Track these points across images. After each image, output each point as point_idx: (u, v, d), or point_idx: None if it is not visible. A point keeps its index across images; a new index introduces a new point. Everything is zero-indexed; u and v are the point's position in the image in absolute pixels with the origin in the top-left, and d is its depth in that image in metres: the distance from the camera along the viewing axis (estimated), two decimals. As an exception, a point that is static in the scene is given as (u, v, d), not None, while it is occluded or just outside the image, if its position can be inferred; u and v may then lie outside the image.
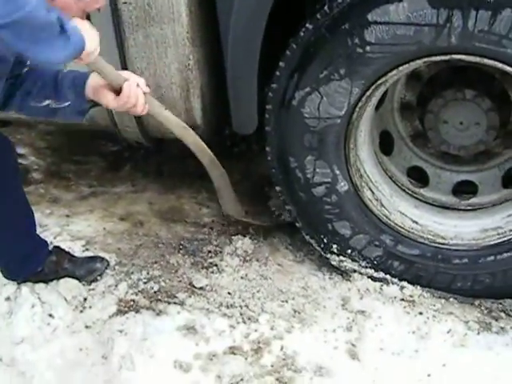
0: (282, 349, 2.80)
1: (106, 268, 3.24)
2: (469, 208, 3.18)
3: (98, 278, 3.19)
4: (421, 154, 3.25)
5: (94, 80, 2.59)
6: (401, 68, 2.68)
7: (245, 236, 3.47)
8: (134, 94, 2.55)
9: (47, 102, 2.63)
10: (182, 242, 3.48)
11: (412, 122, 3.20)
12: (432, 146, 3.18)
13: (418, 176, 3.28)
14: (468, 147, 3.05)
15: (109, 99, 2.57)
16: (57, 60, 2.24)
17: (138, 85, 2.56)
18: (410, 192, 3.23)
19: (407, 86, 3.12)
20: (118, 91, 2.55)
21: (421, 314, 2.99)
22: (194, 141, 3.05)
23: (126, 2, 2.85)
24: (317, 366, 2.72)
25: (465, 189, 3.23)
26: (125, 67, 2.98)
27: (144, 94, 2.59)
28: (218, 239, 3.50)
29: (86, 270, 3.18)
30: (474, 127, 2.96)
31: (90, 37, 2.29)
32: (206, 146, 3.09)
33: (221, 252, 3.38)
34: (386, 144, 3.24)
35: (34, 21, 2.05)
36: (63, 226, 3.62)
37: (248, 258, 3.34)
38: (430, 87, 3.05)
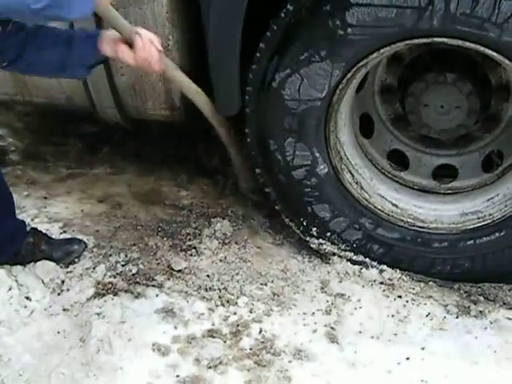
0: (260, 332, 2.79)
1: (84, 250, 3.21)
2: (449, 192, 3.18)
3: (76, 260, 3.17)
4: (401, 138, 3.24)
5: (107, 34, 2.61)
6: (382, 50, 2.66)
7: (224, 218, 3.45)
8: (148, 49, 2.56)
9: (58, 56, 2.61)
10: (160, 225, 3.46)
11: (393, 105, 3.18)
12: (412, 129, 3.17)
13: (399, 159, 3.27)
14: (448, 131, 3.05)
15: (126, 54, 2.58)
16: (88, 11, 2.35)
17: (151, 41, 2.57)
18: (390, 175, 3.22)
19: (388, 69, 3.11)
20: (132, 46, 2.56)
21: (400, 297, 3.00)
22: (209, 108, 3.01)
23: (104, -18, 2.81)
24: (296, 349, 2.71)
25: (445, 172, 3.24)
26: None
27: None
28: (197, 222, 3.48)
29: (64, 252, 3.15)
30: (454, 111, 2.96)
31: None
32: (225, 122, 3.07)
33: (200, 234, 3.36)
34: (366, 127, 3.22)
35: None
36: (41, 208, 3.59)
37: (227, 241, 3.32)
38: (411, 70, 3.04)
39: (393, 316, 2.90)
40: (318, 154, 2.94)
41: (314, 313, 2.91)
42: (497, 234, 2.92)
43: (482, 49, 2.55)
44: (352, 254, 3.13)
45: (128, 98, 3.01)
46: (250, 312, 2.89)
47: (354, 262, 3.14)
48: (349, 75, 2.75)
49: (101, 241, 3.30)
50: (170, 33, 2.86)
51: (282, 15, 2.69)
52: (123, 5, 2.84)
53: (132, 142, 4.19)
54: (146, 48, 2.56)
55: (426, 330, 2.84)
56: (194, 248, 3.27)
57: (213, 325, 2.83)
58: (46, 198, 3.70)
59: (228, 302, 2.94)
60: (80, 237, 3.29)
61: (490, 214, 2.96)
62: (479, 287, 3.03)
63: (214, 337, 2.77)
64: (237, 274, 3.10)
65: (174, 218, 3.52)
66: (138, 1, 2.82)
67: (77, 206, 3.63)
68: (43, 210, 3.57)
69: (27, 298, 2.95)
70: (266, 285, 3.05)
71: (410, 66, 3.05)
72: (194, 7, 2.84)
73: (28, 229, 3.16)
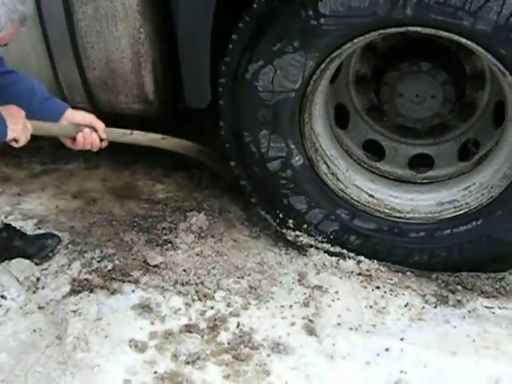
0: (238, 326, 2.77)
1: (58, 244, 3.18)
2: (425, 181, 3.17)
3: (50, 255, 3.14)
4: (376, 128, 3.23)
5: (69, 116, 2.77)
6: (356, 40, 2.64)
7: (199, 212, 3.43)
8: (88, 142, 2.80)
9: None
10: (135, 220, 3.42)
11: (367, 95, 3.17)
12: (388, 119, 3.15)
13: (374, 149, 3.26)
14: (424, 120, 3.03)
15: (67, 142, 2.83)
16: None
17: (95, 130, 2.79)
18: (365, 166, 3.21)
19: (362, 59, 3.09)
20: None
21: (378, 288, 3.00)
22: (173, 144, 3.13)
23: (74, -26, 2.77)
24: (274, 342, 2.69)
25: (421, 162, 3.23)
26: (74, 41, 2.91)
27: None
28: (173, 216, 3.45)
29: (38, 247, 3.12)
30: (429, 100, 2.94)
31: (12, 126, 2.49)
32: (184, 141, 3.16)
33: (175, 229, 3.34)
34: (341, 117, 3.21)
35: None
36: (15, 205, 3.55)
37: (203, 235, 3.30)
38: (386, 60, 3.02)
39: (371, 307, 2.90)
40: (292, 146, 2.92)
41: (291, 305, 2.89)
42: (474, 223, 2.91)
43: (456, 37, 2.53)
44: (329, 245, 3.12)
45: (100, 93, 2.97)
46: (228, 306, 2.87)
47: (331, 254, 3.13)
48: (322, 66, 2.73)
49: (76, 237, 3.26)
50: (142, 25, 2.82)
51: (255, 6, 2.66)
52: (94, -3, 2.81)
53: None
54: (87, 142, 2.79)
55: (404, 320, 2.83)
56: (170, 242, 3.24)
57: (190, 320, 2.80)
58: (19, 194, 3.65)
59: (205, 296, 2.91)
60: (55, 233, 3.25)
61: (467, 203, 2.96)
62: (457, 276, 3.03)
63: (191, 332, 2.74)
64: (213, 268, 3.08)
65: (149, 213, 3.49)
66: (108, -7, 2.79)
67: (51, 202, 3.60)
68: (17, 207, 3.53)
69: (2, 296, 2.91)
70: (242, 278, 3.03)
71: (385, 56, 3.03)
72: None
73: (1, 225, 3.12)
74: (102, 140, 2.85)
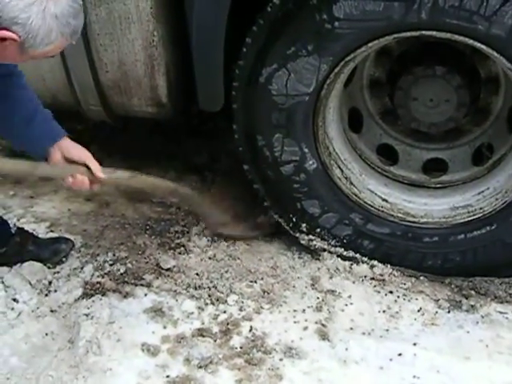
0: (251, 330, 2.77)
1: (71, 249, 3.18)
2: (439, 186, 3.16)
3: (63, 259, 3.14)
4: (390, 132, 3.22)
5: (65, 145, 2.63)
6: (370, 44, 2.63)
7: (212, 215, 3.42)
8: (77, 185, 2.64)
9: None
10: (148, 223, 3.43)
11: (381, 99, 3.15)
12: (402, 123, 3.14)
13: (388, 154, 3.24)
14: (438, 124, 3.01)
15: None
16: None
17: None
18: (379, 170, 3.19)
19: (376, 63, 3.07)
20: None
21: (391, 292, 2.98)
22: (150, 182, 3.04)
23: (88, -23, 2.77)
24: (286, 346, 2.69)
25: (435, 166, 3.21)
26: (87, 44, 2.91)
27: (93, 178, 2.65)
28: (186, 219, 3.45)
29: (51, 251, 3.12)
30: (444, 104, 2.93)
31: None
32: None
33: (188, 232, 3.34)
34: (355, 121, 3.19)
35: None
36: (27, 208, 3.56)
37: (216, 238, 3.30)
38: (400, 64, 3.00)
39: (384, 312, 2.88)
40: (306, 150, 2.91)
41: (304, 310, 2.88)
42: (488, 228, 2.90)
43: (470, 42, 2.52)
44: (342, 249, 3.11)
45: (113, 95, 2.97)
46: (240, 310, 2.87)
47: (344, 258, 3.12)
48: (336, 69, 2.72)
49: (88, 240, 3.27)
50: (155, 28, 2.81)
51: (269, 9, 2.64)
52: (106, 0, 2.80)
53: (119, 140, 4.13)
54: (76, 184, 2.62)
55: (417, 325, 2.82)
56: (183, 246, 3.24)
57: (202, 324, 2.80)
58: (32, 197, 3.66)
59: (218, 300, 2.91)
60: (67, 236, 3.26)
61: (481, 208, 2.94)
62: (470, 281, 3.01)
63: (203, 336, 2.74)
64: (226, 271, 3.07)
65: (162, 216, 3.49)
66: (122, -4, 2.79)
67: (64, 205, 3.60)
68: (30, 210, 3.53)
69: (14, 299, 2.92)
70: (255, 282, 3.02)
71: (399, 60, 3.02)
72: (178, 1, 2.80)
73: (14, 229, 3.11)
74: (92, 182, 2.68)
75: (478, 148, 3.15)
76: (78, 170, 2.60)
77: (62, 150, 2.61)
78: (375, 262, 3.09)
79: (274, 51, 2.72)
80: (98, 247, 3.24)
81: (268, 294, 2.95)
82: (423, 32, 2.56)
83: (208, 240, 3.28)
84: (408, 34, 2.59)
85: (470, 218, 2.95)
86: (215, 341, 2.72)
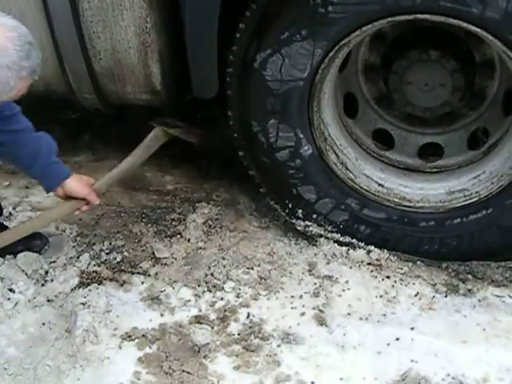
0: (248, 316, 2.77)
1: (45, 245, 3.15)
2: (435, 170, 3.15)
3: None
4: (386, 117, 3.21)
5: (72, 185, 2.86)
6: (364, 28, 2.62)
7: (208, 203, 3.43)
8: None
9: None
10: (144, 211, 3.43)
11: (376, 83, 3.15)
12: (397, 108, 3.13)
13: (384, 139, 3.23)
14: (433, 109, 3.02)
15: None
16: None
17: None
18: (375, 155, 3.19)
19: (371, 48, 3.07)
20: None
21: (388, 277, 2.98)
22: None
23: (79, -36, 2.76)
24: (284, 332, 2.69)
25: (431, 151, 3.20)
26: (80, 32, 2.90)
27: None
28: (182, 207, 3.45)
29: (24, 246, 3.08)
30: (439, 88, 2.92)
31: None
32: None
33: (184, 220, 3.33)
34: (350, 107, 3.18)
35: None
36: (22, 198, 3.55)
37: (212, 226, 3.30)
38: (395, 48, 2.99)
39: (381, 297, 2.88)
40: (301, 135, 2.91)
41: (301, 296, 2.88)
42: (484, 212, 2.90)
43: (465, 25, 2.51)
44: (339, 235, 3.11)
45: (107, 83, 2.96)
46: (237, 297, 2.87)
47: (341, 244, 3.11)
48: (331, 54, 2.71)
49: (84, 229, 3.26)
50: (148, 15, 2.80)
51: (263, -7, 2.64)
52: (98, -13, 2.79)
53: (114, 128, 4.13)
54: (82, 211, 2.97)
55: (414, 309, 2.82)
56: (179, 234, 3.24)
57: (200, 311, 2.80)
58: (27, 187, 3.64)
59: (214, 287, 2.91)
60: (63, 226, 3.27)
61: (477, 192, 2.94)
62: (467, 265, 3.01)
63: (201, 323, 2.74)
64: (223, 258, 3.07)
65: (158, 204, 3.49)
66: (114, -17, 2.77)
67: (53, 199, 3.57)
68: (25, 200, 3.53)
69: (10, 290, 2.91)
70: (252, 269, 3.02)
71: (393, 44, 3.01)
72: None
73: None
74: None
75: (473, 132, 3.14)
76: (79, 204, 2.93)
77: (65, 189, 2.86)
78: (372, 247, 3.09)
79: (268, 36, 2.71)
80: (94, 236, 3.23)
81: (265, 280, 2.95)
82: (417, 15, 2.54)
83: (204, 227, 3.27)
84: (402, 17, 2.57)
85: (466, 202, 2.95)
86: (213, 328, 2.72)
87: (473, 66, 2.96)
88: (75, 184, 2.86)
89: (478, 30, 2.50)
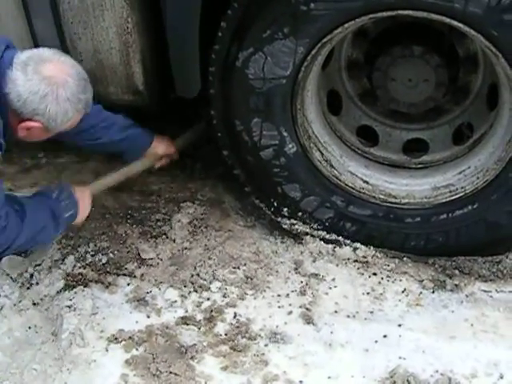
0: (235, 316, 2.77)
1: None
2: (420, 166, 3.14)
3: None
4: (370, 113, 3.20)
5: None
6: (346, 25, 2.61)
7: (193, 203, 3.40)
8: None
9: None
10: (129, 212, 3.39)
11: (360, 80, 3.13)
12: (381, 104, 3.12)
13: (368, 135, 3.22)
14: (417, 104, 3.00)
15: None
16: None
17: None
18: (359, 152, 3.17)
19: (354, 44, 3.04)
20: None
21: (375, 274, 2.99)
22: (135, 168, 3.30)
23: (59, -36, 2.74)
24: (271, 332, 2.69)
25: (415, 147, 3.20)
26: (61, 33, 2.88)
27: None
28: (167, 207, 3.42)
29: None
30: (422, 84, 2.91)
31: (82, 210, 2.91)
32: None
33: (169, 220, 3.31)
34: (334, 104, 3.17)
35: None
36: (6, 201, 3.50)
37: (198, 225, 3.27)
38: (377, 45, 2.97)
39: (368, 294, 2.89)
40: (285, 133, 2.90)
41: (288, 294, 2.88)
42: (470, 207, 2.90)
43: (447, 20, 2.50)
44: (325, 232, 3.10)
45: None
46: (224, 297, 2.86)
47: (327, 241, 3.11)
48: (313, 52, 2.69)
49: (69, 231, 3.21)
50: (129, 15, 2.78)
51: (244, -8, 2.63)
52: (79, -13, 2.77)
53: None
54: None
55: (402, 306, 2.83)
56: (164, 234, 3.22)
57: (186, 312, 2.80)
58: (11, 189, 3.54)
59: (201, 287, 2.90)
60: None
61: (462, 187, 2.93)
62: (454, 261, 3.01)
63: (187, 324, 2.74)
64: (209, 258, 3.05)
65: (142, 205, 3.45)
66: (94, -17, 2.74)
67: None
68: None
69: (-5, 294, 2.89)
70: (238, 268, 3.01)
71: (376, 41, 2.99)
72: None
73: None
74: None
75: (458, 127, 3.13)
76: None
77: (151, 150, 3.24)
78: (358, 245, 3.09)
79: (250, 35, 2.69)
80: (78, 238, 3.19)
81: (251, 279, 2.94)
82: (399, 11, 2.54)
83: (190, 227, 3.25)
84: (384, 13, 2.56)
85: (451, 198, 2.94)
86: (199, 328, 2.71)
87: (456, 61, 2.94)
88: (160, 145, 3.26)
89: (460, 25, 2.49)
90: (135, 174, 3.32)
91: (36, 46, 2.93)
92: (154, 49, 2.96)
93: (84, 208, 2.93)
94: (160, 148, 3.25)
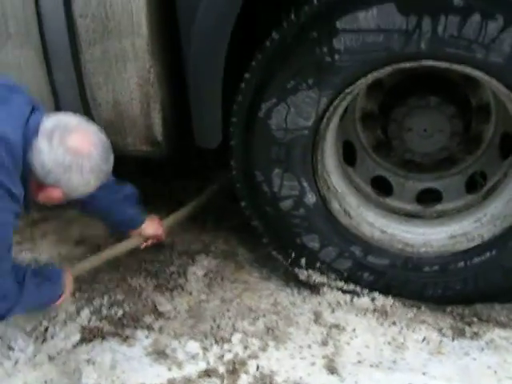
0: (258, 368, 2.71)
1: None
2: (435, 215, 3.17)
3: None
4: (383, 164, 3.23)
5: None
6: (369, 76, 2.65)
7: (207, 255, 3.39)
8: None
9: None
10: (142, 264, 3.37)
11: (374, 131, 3.17)
12: (395, 154, 3.15)
13: (383, 185, 3.25)
14: (432, 154, 3.04)
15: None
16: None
17: None
18: (375, 202, 3.20)
19: (368, 96, 3.09)
20: None
21: (394, 324, 2.96)
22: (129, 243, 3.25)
23: (82, 16, 2.75)
24: (295, 383, 2.64)
25: (429, 196, 3.23)
26: (81, 83, 2.88)
27: None
28: (180, 259, 3.40)
29: None
30: (438, 134, 2.96)
31: (66, 294, 2.83)
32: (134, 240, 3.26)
33: (184, 273, 3.28)
34: (349, 154, 3.20)
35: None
36: (16, 253, 3.41)
37: (213, 277, 3.26)
38: (392, 96, 3.03)
39: (389, 343, 2.86)
40: (305, 184, 2.91)
41: (310, 345, 2.85)
42: (487, 254, 2.91)
43: (468, 70, 2.56)
44: (342, 283, 3.09)
45: (108, 136, 2.92)
46: (245, 348, 2.81)
47: (344, 292, 3.10)
48: (336, 102, 2.73)
49: (82, 284, 3.17)
50: (152, 66, 2.79)
51: (268, 44, 2.66)
52: (101, 39, 2.78)
53: None
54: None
55: (424, 354, 2.80)
56: (180, 286, 3.19)
57: (208, 364, 2.74)
58: (19, 242, 3.55)
59: (222, 339, 2.86)
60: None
61: (479, 235, 2.95)
62: (471, 308, 3.01)
63: (210, 376, 2.68)
64: (227, 310, 3.03)
65: (156, 257, 3.43)
66: (117, 34, 2.75)
67: (53, 250, 3.53)
68: (18, 256, 3.43)
69: (9, 347, 2.82)
70: (258, 320, 2.98)
71: (390, 92, 3.04)
72: (174, 37, 2.79)
73: None
74: None
75: (471, 176, 3.18)
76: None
77: (141, 230, 3.19)
78: (376, 294, 3.07)
79: (274, 86, 2.72)
80: (92, 291, 3.16)
81: (272, 331, 2.91)
82: (422, 62, 2.59)
83: (205, 280, 3.23)
84: (407, 64, 2.61)
85: (469, 246, 2.96)
86: (223, 381, 2.66)
87: (469, 111, 3.01)
88: (150, 226, 3.20)
89: (481, 74, 2.56)
90: (120, 254, 3.25)
91: (55, 95, 2.94)
92: (174, 99, 2.98)
93: (68, 292, 2.89)
94: (148, 230, 3.20)
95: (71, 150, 2.33)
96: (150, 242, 3.25)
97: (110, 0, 2.72)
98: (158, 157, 3.10)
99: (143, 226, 3.16)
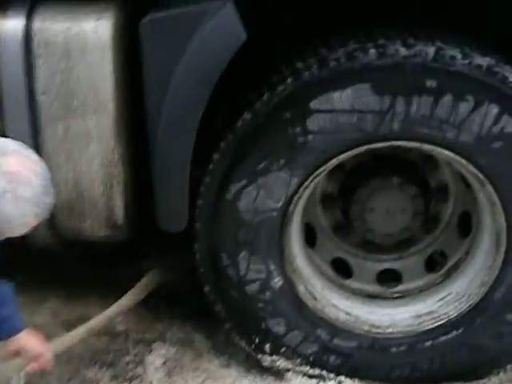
0: None
1: None
2: (397, 295, 3.15)
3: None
4: (342, 245, 3.20)
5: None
6: (342, 156, 2.66)
7: (164, 343, 3.22)
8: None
9: None
10: (96, 354, 3.16)
11: (333, 212, 3.15)
12: (355, 235, 3.14)
13: (343, 267, 3.21)
14: (393, 234, 3.04)
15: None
16: None
17: None
18: (338, 284, 3.15)
19: (329, 177, 3.06)
20: None
21: (362, 407, 2.90)
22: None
23: (44, 93, 2.67)
24: None
25: (389, 277, 3.21)
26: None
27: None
28: (136, 348, 3.21)
29: None
30: (400, 214, 2.97)
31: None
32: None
33: (142, 362, 3.11)
34: (310, 236, 3.16)
35: None
36: None
37: (172, 366, 3.09)
38: (353, 177, 3.03)
39: (359, 428, 2.80)
40: (272, 267, 2.85)
41: (275, 433, 2.75)
42: (454, 333, 2.91)
43: (438, 150, 2.62)
44: (308, 367, 3.00)
45: (64, 218, 2.79)
46: None
47: (310, 376, 3.00)
48: (306, 183, 2.72)
49: (31, 378, 2.92)
50: (116, 147, 2.72)
51: (239, 124, 2.64)
52: (64, 117, 2.70)
53: (53, 264, 3.79)
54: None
55: None
56: (138, 377, 3.02)
57: None
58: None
59: (189, 429, 2.73)
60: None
61: (445, 313, 2.95)
62: (438, 388, 2.98)
63: None
64: (190, 399, 2.89)
65: (110, 346, 3.23)
66: (81, 112, 2.68)
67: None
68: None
69: None
70: (224, 407, 2.86)
71: (351, 174, 3.04)
72: (140, 119, 2.73)
73: None
74: None
75: (430, 255, 3.19)
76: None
77: (17, 343, 2.55)
78: (343, 378, 2.99)
79: (244, 167, 2.69)
80: (44, 386, 2.95)
81: (239, 419, 2.80)
82: (393, 142, 2.63)
83: (164, 369, 3.06)
84: (380, 144, 2.64)
85: (435, 325, 2.95)
86: None
87: (429, 191, 3.04)
88: (29, 341, 2.57)
89: (450, 154, 2.63)
90: None
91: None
92: (136, 181, 2.88)
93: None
94: (28, 343, 2.58)
95: (8, 175, 2.01)
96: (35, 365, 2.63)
97: (75, 77, 2.65)
98: (117, 241, 2.98)
99: (20, 335, 2.56)
